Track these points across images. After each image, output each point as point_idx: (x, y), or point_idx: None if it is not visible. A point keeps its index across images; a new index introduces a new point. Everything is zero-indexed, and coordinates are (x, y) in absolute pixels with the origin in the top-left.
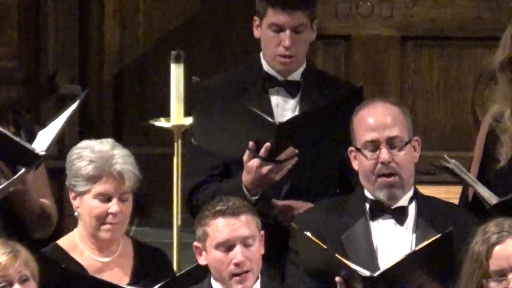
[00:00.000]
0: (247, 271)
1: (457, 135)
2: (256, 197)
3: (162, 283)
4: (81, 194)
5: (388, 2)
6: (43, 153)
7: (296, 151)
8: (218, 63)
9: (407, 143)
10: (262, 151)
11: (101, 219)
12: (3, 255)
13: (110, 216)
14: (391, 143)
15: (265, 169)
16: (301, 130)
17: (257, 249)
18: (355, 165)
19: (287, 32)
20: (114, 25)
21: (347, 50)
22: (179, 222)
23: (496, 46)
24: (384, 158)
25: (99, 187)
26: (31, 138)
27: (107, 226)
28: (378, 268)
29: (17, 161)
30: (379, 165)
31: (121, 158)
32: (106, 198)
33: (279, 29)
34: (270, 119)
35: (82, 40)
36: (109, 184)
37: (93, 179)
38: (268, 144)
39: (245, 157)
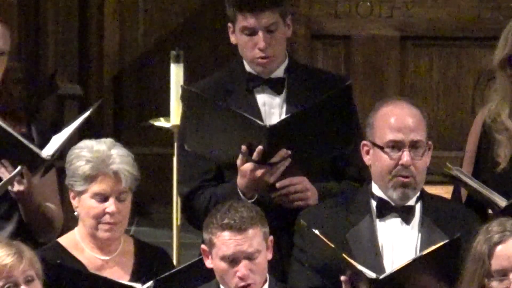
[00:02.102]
0: (249, 284)
1: (457, 135)
2: (252, 200)
3: (164, 275)
4: (79, 193)
5: (388, 2)
6: (49, 157)
7: (289, 152)
8: (217, 63)
9: (428, 149)
10: (254, 155)
11: (99, 219)
12: (8, 256)
13: (107, 216)
14: (413, 147)
15: (259, 172)
16: (292, 131)
17: (262, 260)
18: (366, 159)
19: (260, 33)
20: (114, 25)
21: (347, 50)
22: (179, 222)
23: (496, 46)
24: (406, 161)
25: (95, 187)
26: (43, 139)
27: (104, 226)
28: (383, 267)
29: (23, 163)
30: (398, 167)
31: (118, 157)
32: (103, 198)
33: (251, 32)
34: (260, 122)
35: (82, 40)
36: (105, 184)
37: (89, 179)
38: (260, 147)
39: (238, 161)
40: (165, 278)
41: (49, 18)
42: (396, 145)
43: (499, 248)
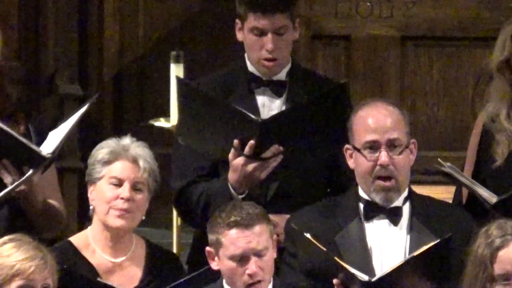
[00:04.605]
0: (259, 281)
1: (457, 135)
2: (243, 196)
3: (172, 285)
4: (96, 181)
5: (388, 2)
6: (49, 155)
7: (281, 148)
8: (217, 63)
9: (406, 147)
10: (246, 149)
11: (111, 203)
12: (35, 259)
13: (119, 201)
14: (391, 145)
15: (250, 167)
16: (285, 127)
17: (270, 257)
18: (350, 163)
19: (269, 35)
20: (114, 25)
21: (347, 50)
22: (179, 222)
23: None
24: (384, 160)
25: (112, 171)
26: (40, 138)
27: (116, 212)
28: (373, 269)
29: (23, 162)
30: (377, 167)
31: (139, 148)
32: (118, 182)
33: (261, 32)
34: (253, 116)
35: (82, 40)
36: (122, 167)
37: (108, 163)
38: (252, 141)
39: (230, 156)
40: (175, 287)
41: (49, 18)
42: (373, 146)
43: (501, 252)
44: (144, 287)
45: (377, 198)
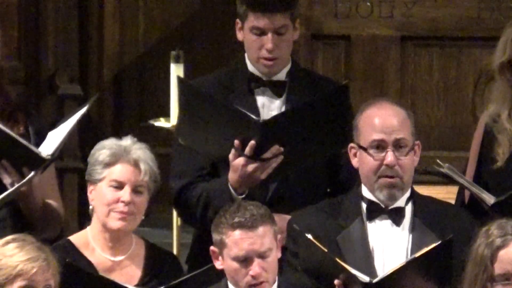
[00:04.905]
0: (262, 282)
1: (457, 135)
2: (243, 196)
3: (174, 282)
4: (96, 182)
5: (388, 2)
6: (49, 157)
7: (282, 149)
8: (218, 63)
9: (411, 148)
10: (247, 149)
11: (111, 206)
12: (38, 260)
13: (120, 204)
14: (397, 146)
15: (251, 167)
16: (286, 127)
17: (274, 258)
18: (354, 162)
19: (269, 35)
20: (114, 25)
21: (347, 50)
22: (179, 222)
23: (496, 46)
24: (390, 161)
25: (113, 174)
26: (40, 138)
27: (116, 215)
28: (374, 269)
29: (23, 163)
30: (383, 167)
31: (140, 150)
32: (119, 185)
33: (261, 32)
34: (254, 117)
35: (82, 40)
36: (123, 171)
37: (108, 165)
38: (252, 142)
39: (230, 156)
40: (174, 286)
41: (49, 18)
42: (380, 145)
43: (502, 252)
44: (143, 286)
45: (381, 196)
